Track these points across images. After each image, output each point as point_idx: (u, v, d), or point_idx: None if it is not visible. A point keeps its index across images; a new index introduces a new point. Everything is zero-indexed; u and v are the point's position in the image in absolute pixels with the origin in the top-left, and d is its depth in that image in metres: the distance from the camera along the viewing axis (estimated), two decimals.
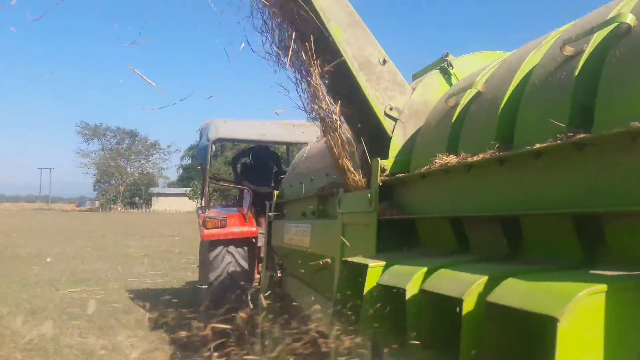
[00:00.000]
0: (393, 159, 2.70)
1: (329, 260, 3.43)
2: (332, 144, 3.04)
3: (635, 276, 1.16)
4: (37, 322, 7.72)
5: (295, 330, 3.48)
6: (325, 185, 3.66)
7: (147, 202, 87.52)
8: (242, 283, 6.78)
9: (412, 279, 1.75)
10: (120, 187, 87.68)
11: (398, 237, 2.58)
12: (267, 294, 5.16)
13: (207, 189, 7.47)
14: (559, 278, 1.24)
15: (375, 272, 2.08)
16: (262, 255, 7.35)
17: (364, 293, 2.05)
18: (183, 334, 5.29)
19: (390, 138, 2.78)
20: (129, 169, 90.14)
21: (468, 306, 1.41)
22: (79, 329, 7.45)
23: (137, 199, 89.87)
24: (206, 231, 6.80)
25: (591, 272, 1.27)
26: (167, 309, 8.12)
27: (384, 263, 2.10)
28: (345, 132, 3.03)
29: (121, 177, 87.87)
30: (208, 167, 7.34)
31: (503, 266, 1.56)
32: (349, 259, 2.32)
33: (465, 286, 1.44)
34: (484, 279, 1.44)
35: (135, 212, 71.30)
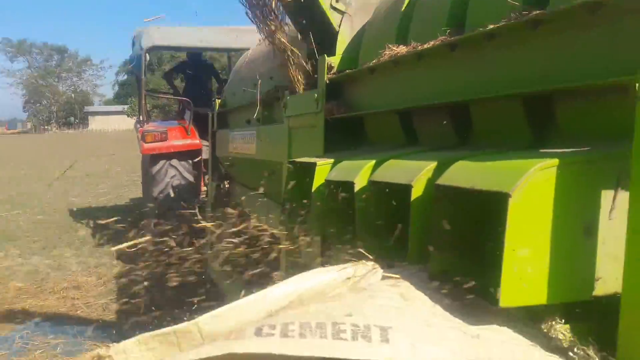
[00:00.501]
0: (340, 56, 2.57)
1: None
2: (276, 43, 2.86)
3: (584, 151, 1.15)
4: None
5: (246, 235, 3.47)
6: (270, 90, 3.50)
7: (84, 121, 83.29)
8: (188, 196, 6.67)
9: (360, 172, 1.70)
10: (52, 107, 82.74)
11: (346, 137, 2.52)
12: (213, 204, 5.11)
13: (144, 102, 7.10)
14: (508, 157, 1.22)
15: (324, 170, 2.02)
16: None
17: (313, 191, 2.01)
18: (127, 247, 5.22)
19: (337, 33, 2.63)
20: (60, 88, 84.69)
21: (417, 192, 1.39)
22: (19, 249, 7.22)
23: (72, 118, 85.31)
24: (146, 145, 6.54)
25: (541, 150, 1.26)
26: (112, 225, 7.98)
27: (331, 160, 2.04)
28: (290, 29, 2.84)
29: (53, 96, 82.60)
30: (143, 78, 6.92)
31: (452, 153, 1.53)
32: (296, 160, 2.25)
33: (414, 173, 1.41)
34: (432, 165, 1.40)
35: (71, 133, 67.84)
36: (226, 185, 5.14)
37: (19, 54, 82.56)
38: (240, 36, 7.07)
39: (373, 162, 1.72)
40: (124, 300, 5.37)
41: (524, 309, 1.15)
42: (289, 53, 2.75)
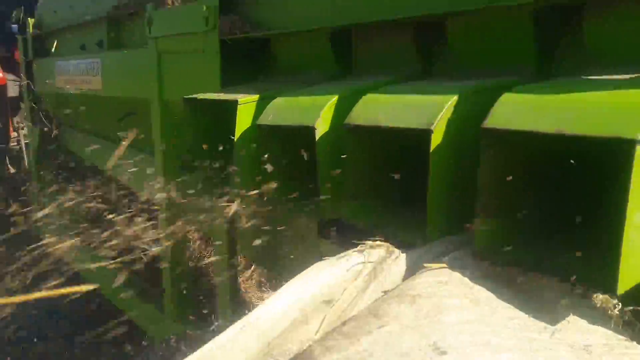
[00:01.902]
0: None
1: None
2: None
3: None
4: None
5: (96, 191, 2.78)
6: (120, 4, 2.70)
7: None
8: None
9: (321, 113, 1.26)
10: None
11: (244, 65, 2.00)
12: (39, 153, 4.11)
13: None
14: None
15: (248, 109, 1.52)
16: (20, 108, 5.84)
17: (236, 139, 1.50)
18: None
19: None
20: None
21: (438, 138, 1.01)
22: None
23: None
24: None
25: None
26: None
27: (255, 97, 1.54)
28: None
29: None
30: None
31: (461, 82, 1.17)
32: (199, 96, 1.68)
33: (430, 112, 1.02)
34: (452, 99, 1.03)
35: None
36: (55, 130, 4.13)
37: None
38: None
39: (334, 98, 1.29)
40: None
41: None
42: None
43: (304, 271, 0.92)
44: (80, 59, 3.13)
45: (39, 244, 2.76)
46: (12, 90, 5.83)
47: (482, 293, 0.84)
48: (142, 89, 2.46)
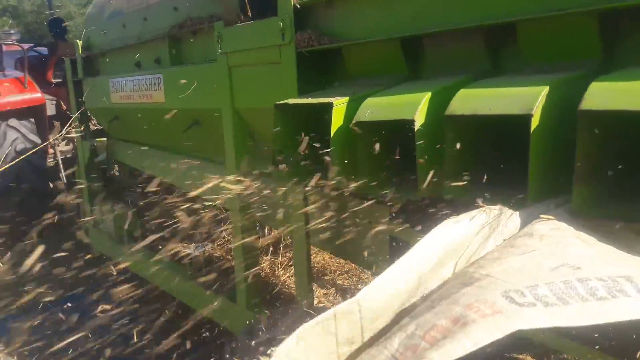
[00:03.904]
0: None
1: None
2: None
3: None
4: None
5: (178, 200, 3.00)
6: (179, 23, 2.95)
7: None
8: (38, 162, 5.60)
9: (419, 108, 1.49)
10: None
11: (318, 73, 2.24)
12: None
13: None
14: None
15: (340, 110, 1.75)
16: (56, 127, 6.11)
17: (332, 136, 1.73)
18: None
19: None
20: None
21: (536, 121, 1.24)
22: None
23: None
24: None
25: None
26: None
27: (346, 99, 1.77)
28: None
29: None
30: None
31: (550, 75, 1.40)
32: (290, 101, 1.91)
33: (527, 101, 1.25)
34: (544, 89, 1.26)
35: None
36: (97, 143, 4.37)
37: None
38: None
39: (428, 94, 1.52)
40: None
41: None
42: None
43: (437, 226, 1.15)
44: (138, 75, 3.37)
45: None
46: (49, 109, 6.10)
47: (589, 237, 1.07)
48: (211, 100, 2.70)
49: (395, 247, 2.04)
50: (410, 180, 1.55)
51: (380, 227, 1.92)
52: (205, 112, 2.85)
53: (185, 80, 2.75)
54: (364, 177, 1.71)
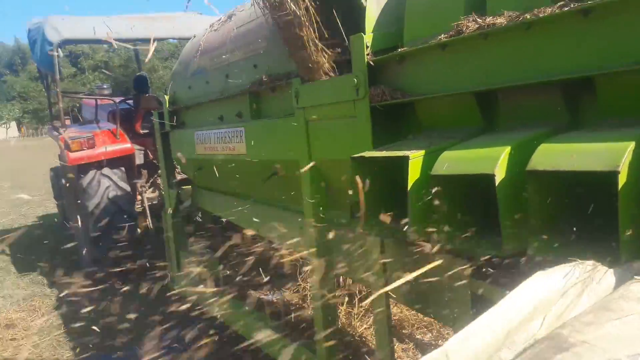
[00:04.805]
0: (372, 34, 2.31)
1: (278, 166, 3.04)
2: (282, 22, 2.53)
3: None
4: None
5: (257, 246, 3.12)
6: (259, 79, 3.14)
7: None
8: (127, 208, 6.01)
9: (499, 161, 1.49)
10: None
11: (391, 126, 2.30)
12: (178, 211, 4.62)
13: (61, 105, 6.20)
14: None
15: (417, 163, 1.79)
16: (143, 175, 6.56)
17: (409, 189, 1.76)
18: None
19: (363, 9, 2.36)
20: None
21: (623, 178, 1.22)
22: None
23: None
24: (72, 155, 5.75)
25: None
26: (41, 253, 7.00)
27: (422, 152, 1.81)
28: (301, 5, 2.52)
29: None
30: (58, 77, 6.04)
31: (620, 131, 1.38)
32: (366, 154, 1.98)
33: (612, 156, 1.23)
34: (630, 145, 1.24)
35: None
36: (181, 190, 4.65)
37: None
38: (163, 24, 6.47)
39: (508, 148, 1.52)
40: (75, 332, 4.72)
41: None
42: (307, 33, 2.43)
43: (527, 279, 1.14)
44: (221, 128, 3.59)
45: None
46: (137, 159, 6.57)
47: None
48: (290, 152, 2.82)
49: (477, 302, 2.00)
50: (492, 236, 1.55)
51: (462, 282, 1.90)
52: (284, 163, 2.97)
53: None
54: (443, 231, 1.72)
